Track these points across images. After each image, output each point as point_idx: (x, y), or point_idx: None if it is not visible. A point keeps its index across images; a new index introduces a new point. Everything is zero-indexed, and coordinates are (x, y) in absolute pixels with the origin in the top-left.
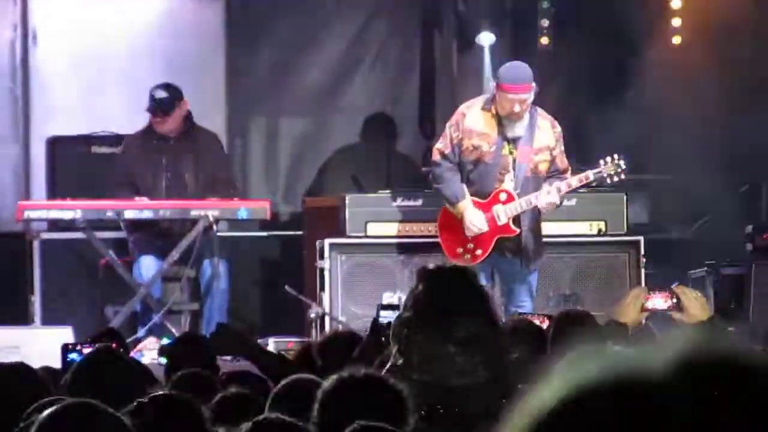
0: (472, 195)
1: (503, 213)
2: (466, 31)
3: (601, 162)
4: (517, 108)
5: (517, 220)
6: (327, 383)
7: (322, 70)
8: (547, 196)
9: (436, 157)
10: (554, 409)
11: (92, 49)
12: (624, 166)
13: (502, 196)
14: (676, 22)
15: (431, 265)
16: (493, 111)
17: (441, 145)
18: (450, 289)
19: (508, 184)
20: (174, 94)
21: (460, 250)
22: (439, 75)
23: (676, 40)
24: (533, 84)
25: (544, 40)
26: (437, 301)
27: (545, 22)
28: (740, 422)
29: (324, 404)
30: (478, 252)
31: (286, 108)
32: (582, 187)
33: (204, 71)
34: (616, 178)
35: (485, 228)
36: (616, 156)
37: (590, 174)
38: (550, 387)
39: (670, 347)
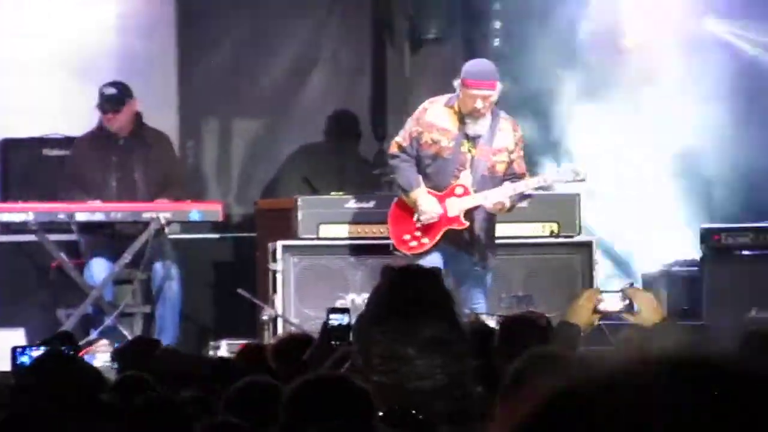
0: (428, 188)
1: (456, 206)
2: (417, 32)
3: (561, 166)
4: (479, 104)
5: (469, 215)
6: (292, 384)
7: (274, 72)
8: (497, 195)
9: (393, 149)
10: (537, 413)
11: (43, 51)
12: (582, 175)
13: (458, 191)
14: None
15: (397, 264)
16: (456, 108)
17: (400, 138)
18: (415, 290)
19: (465, 181)
20: (124, 90)
21: (407, 236)
22: (391, 76)
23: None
24: (498, 82)
25: (496, 42)
26: (401, 301)
27: (497, 24)
28: (723, 424)
29: (289, 405)
30: (425, 240)
31: (239, 109)
32: (538, 189)
33: (156, 72)
34: (574, 183)
35: (438, 211)
36: (574, 163)
37: (548, 177)
38: (528, 393)
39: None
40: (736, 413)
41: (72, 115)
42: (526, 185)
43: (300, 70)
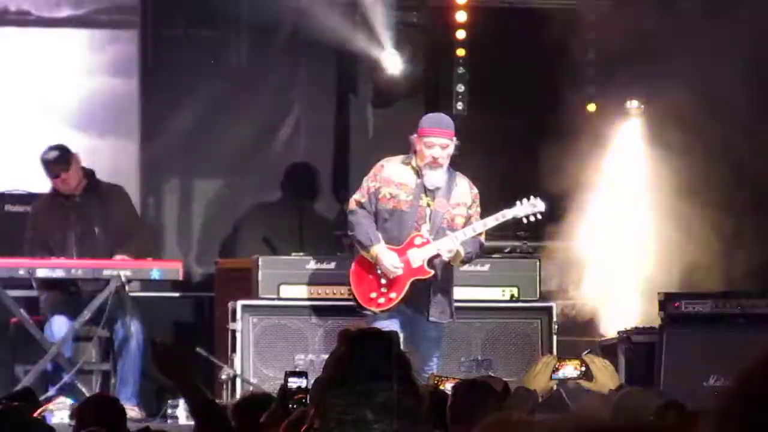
0: (388, 243)
1: (418, 256)
2: (381, 94)
3: (518, 202)
4: (437, 152)
5: (431, 264)
6: None
7: (236, 133)
8: (451, 241)
9: (352, 206)
10: None
11: (6, 108)
12: (540, 207)
13: (417, 240)
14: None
15: (353, 328)
16: (413, 164)
17: (358, 195)
18: (372, 354)
19: (425, 233)
20: (63, 148)
21: (373, 294)
22: (354, 137)
23: (591, 107)
24: (454, 134)
25: (459, 105)
26: (358, 364)
27: (460, 88)
28: None
29: None
30: (392, 295)
31: (200, 169)
32: (499, 238)
33: (118, 132)
34: (532, 218)
35: (400, 267)
36: (532, 197)
37: (507, 212)
38: None
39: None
40: None
41: (34, 171)
42: (485, 224)
43: (262, 131)
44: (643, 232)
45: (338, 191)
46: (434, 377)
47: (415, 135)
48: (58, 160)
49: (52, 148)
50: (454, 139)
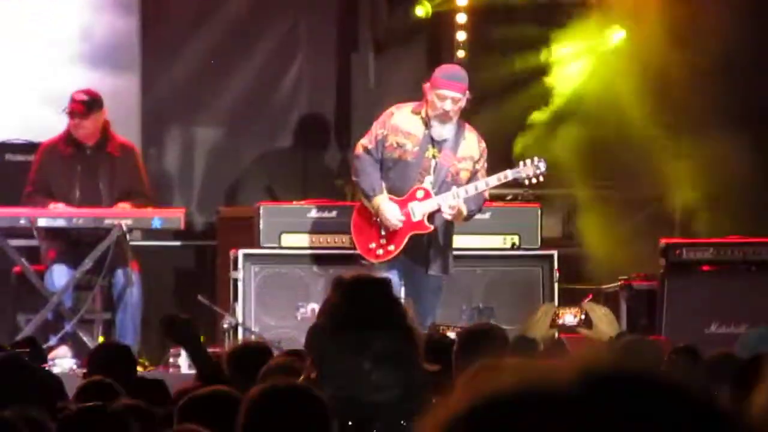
0: (389, 193)
1: (419, 210)
2: (382, 43)
3: (521, 163)
4: (448, 106)
5: (431, 219)
6: (251, 393)
7: (238, 81)
8: (454, 199)
9: (358, 150)
10: (460, 417)
11: (7, 57)
12: (543, 169)
13: (419, 194)
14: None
15: (347, 275)
16: (423, 114)
17: (365, 140)
18: (367, 301)
19: (427, 185)
20: (94, 98)
21: (372, 245)
22: (356, 87)
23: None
24: (467, 88)
25: (460, 53)
26: (353, 313)
27: (461, 35)
28: None
29: (249, 415)
30: (391, 248)
31: (202, 117)
32: (502, 187)
33: (119, 81)
34: (534, 180)
35: (400, 219)
36: (535, 158)
37: (509, 173)
38: (457, 397)
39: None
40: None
41: (34, 121)
42: (487, 183)
43: (264, 79)
44: None
45: (341, 139)
46: (435, 326)
47: (428, 84)
48: (81, 106)
49: (83, 91)
50: (467, 92)
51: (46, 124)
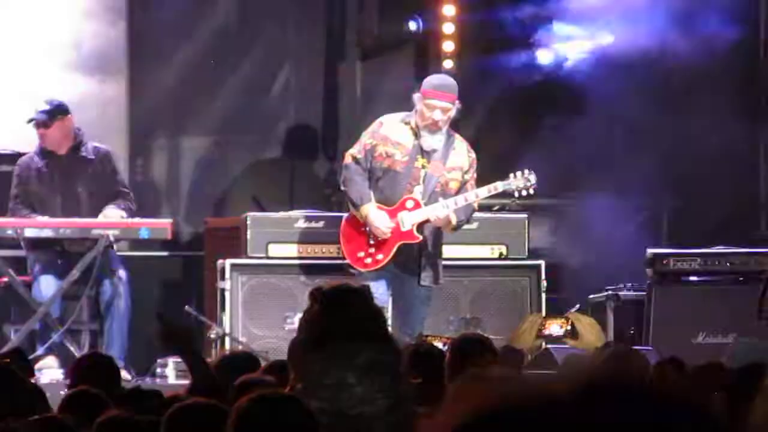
0: (379, 203)
1: (408, 219)
2: (369, 53)
3: (511, 175)
4: (438, 115)
5: (421, 229)
6: (240, 403)
7: (225, 90)
8: (443, 209)
9: (347, 160)
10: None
11: None
12: (533, 181)
13: (409, 204)
14: None
15: (325, 286)
16: (413, 124)
17: (354, 150)
18: (347, 312)
19: (417, 195)
20: (56, 107)
21: (361, 254)
22: (343, 97)
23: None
24: (457, 98)
25: (447, 64)
26: (334, 325)
27: (449, 46)
28: None
29: (238, 424)
30: (380, 256)
31: (189, 128)
32: (490, 197)
33: (106, 91)
34: (524, 192)
35: (389, 227)
36: (525, 171)
37: (499, 185)
38: (455, 409)
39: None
40: None
41: (23, 131)
42: (477, 194)
43: (251, 89)
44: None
45: (328, 150)
46: (422, 337)
47: (418, 93)
48: (43, 113)
49: (47, 101)
50: (457, 102)
51: (31, 133)
